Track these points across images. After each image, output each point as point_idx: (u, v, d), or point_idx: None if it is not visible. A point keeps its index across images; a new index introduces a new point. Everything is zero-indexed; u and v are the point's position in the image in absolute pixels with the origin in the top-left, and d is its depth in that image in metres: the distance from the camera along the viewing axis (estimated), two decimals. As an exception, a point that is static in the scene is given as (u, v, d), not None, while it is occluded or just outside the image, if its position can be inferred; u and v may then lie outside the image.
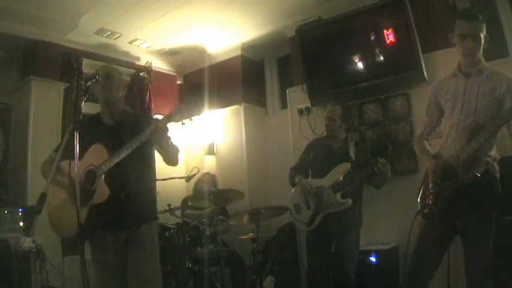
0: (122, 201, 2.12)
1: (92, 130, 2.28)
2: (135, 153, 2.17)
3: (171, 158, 2.33)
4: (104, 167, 2.10)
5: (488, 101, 2.16)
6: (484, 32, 2.22)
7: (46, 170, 2.28)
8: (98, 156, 2.15)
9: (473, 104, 2.20)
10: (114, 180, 2.11)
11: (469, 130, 2.15)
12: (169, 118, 2.12)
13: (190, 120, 2.14)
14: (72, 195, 2.10)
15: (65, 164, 2.07)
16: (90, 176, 2.14)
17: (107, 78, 2.31)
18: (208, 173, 4.51)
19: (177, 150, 2.36)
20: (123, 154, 2.09)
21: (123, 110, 2.43)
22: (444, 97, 2.35)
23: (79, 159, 2.01)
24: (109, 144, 2.15)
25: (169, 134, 2.20)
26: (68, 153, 2.00)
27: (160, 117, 2.22)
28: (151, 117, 2.48)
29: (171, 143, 2.27)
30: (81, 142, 2.03)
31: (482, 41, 2.22)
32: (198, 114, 2.13)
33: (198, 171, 4.24)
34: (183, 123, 2.16)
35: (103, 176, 2.10)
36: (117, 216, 2.13)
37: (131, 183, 2.19)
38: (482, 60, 2.28)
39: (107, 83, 2.30)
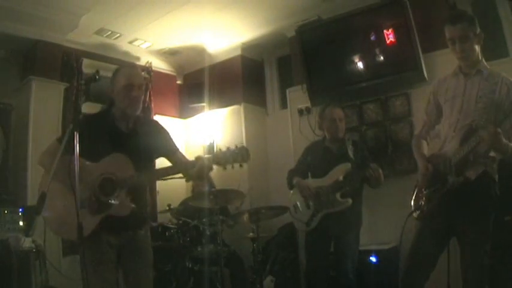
0: None
1: (103, 132, 2.19)
2: (145, 162, 2.21)
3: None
4: (128, 181, 2.07)
5: (485, 103, 2.14)
6: (476, 30, 2.19)
7: (46, 162, 2.11)
8: (119, 166, 2.09)
9: (472, 104, 2.19)
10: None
11: (463, 133, 2.14)
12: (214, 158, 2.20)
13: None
14: (85, 200, 2.04)
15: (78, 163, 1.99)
16: (108, 186, 2.07)
17: (140, 90, 2.23)
18: None
19: None
20: (151, 179, 2.14)
21: (137, 116, 2.31)
22: (444, 96, 2.34)
23: (80, 156, 1.90)
24: (131, 156, 2.12)
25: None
26: (74, 149, 1.89)
27: (161, 117, 2.21)
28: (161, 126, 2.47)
29: None
30: (87, 140, 1.95)
31: (475, 40, 2.19)
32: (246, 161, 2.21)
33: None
34: (225, 168, 2.30)
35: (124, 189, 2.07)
36: (119, 219, 2.10)
37: (137, 189, 2.18)
38: (482, 60, 2.27)
39: (136, 94, 2.21)
